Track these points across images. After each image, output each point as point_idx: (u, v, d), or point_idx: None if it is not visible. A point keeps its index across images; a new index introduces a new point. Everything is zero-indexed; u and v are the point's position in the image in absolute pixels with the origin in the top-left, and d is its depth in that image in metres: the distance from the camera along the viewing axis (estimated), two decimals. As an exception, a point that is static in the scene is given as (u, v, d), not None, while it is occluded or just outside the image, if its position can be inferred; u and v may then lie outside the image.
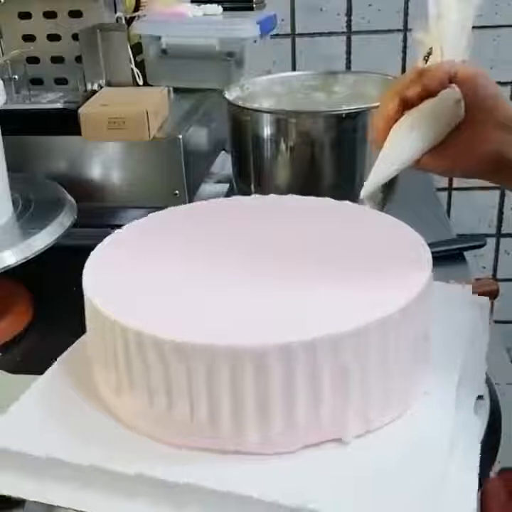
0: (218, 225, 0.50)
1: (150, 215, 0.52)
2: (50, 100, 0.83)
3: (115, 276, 0.43)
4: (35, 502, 0.39)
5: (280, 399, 0.37)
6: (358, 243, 0.46)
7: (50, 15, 0.84)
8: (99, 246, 0.47)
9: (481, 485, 0.38)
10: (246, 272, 0.43)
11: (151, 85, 0.88)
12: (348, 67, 1.25)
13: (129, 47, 0.83)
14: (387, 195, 0.78)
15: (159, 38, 0.88)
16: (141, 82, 0.86)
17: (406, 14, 1.22)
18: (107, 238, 0.48)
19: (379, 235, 0.47)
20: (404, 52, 1.24)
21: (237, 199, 0.58)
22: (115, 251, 0.47)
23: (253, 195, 0.59)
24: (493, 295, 0.73)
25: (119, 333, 0.38)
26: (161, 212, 0.52)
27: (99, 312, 0.40)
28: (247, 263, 0.44)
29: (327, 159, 0.73)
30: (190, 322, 0.38)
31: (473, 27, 0.46)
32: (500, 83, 1.32)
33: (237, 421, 0.37)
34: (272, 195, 0.55)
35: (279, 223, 0.50)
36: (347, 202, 0.52)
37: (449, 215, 1.33)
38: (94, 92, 0.80)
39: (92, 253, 0.46)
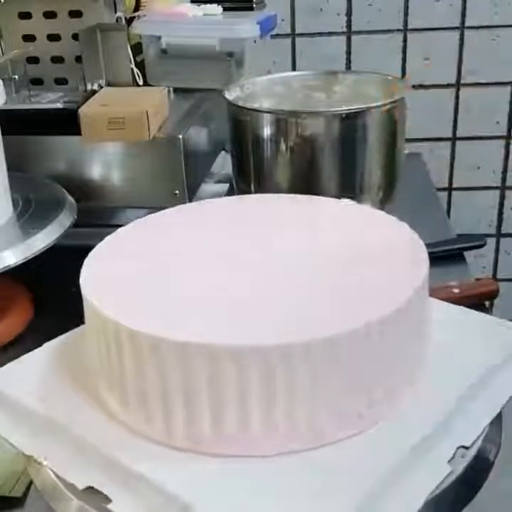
0: (218, 225, 0.50)
1: (150, 215, 0.52)
2: (50, 100, 0.83)
3: (113, 276, 0.43)
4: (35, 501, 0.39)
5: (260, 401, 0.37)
6: (355, 242, 0.46)
7: (50, 15, 0.84)
8: (98, 245, 0.47)
9: None
10: (245, 271, 0.43)
11: (151, 85, 0.88)
12: (348, 67, 1.25)
13: (129, 47, 0.83)
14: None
15: (159, 38, 0.88)
16: (141, 82, 0.86)
17: (406, 14, 1.21)
18: (106, 238, 0.48)
19: (376, 234, 0.47)
20: (404, 52, 1.24)
21: (237, 199, 0.58)
22: (114, 250, 0.47)
23: (253, 195, 0.59)
24: (493, 295, 0.73)
25: (116, 333, 0.38)
26: (160, 212, 0.52)
27: (96, 311, 0.40)
28: (246, 263, 0.44)
29: (327, 159, 0.73)
30: (189, 322, 0.38)
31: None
32: (500, 83, 1.33)
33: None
34: (271, 195, 0.55)
35: (278, 223, 0.50)
36: (346, 201, 0.52)
37: (449, 215, 1.33)
38: (94, 92, 0.80)
39: (91, 252, 0.46)
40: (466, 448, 0.39)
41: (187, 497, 0.35)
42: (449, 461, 0.37)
